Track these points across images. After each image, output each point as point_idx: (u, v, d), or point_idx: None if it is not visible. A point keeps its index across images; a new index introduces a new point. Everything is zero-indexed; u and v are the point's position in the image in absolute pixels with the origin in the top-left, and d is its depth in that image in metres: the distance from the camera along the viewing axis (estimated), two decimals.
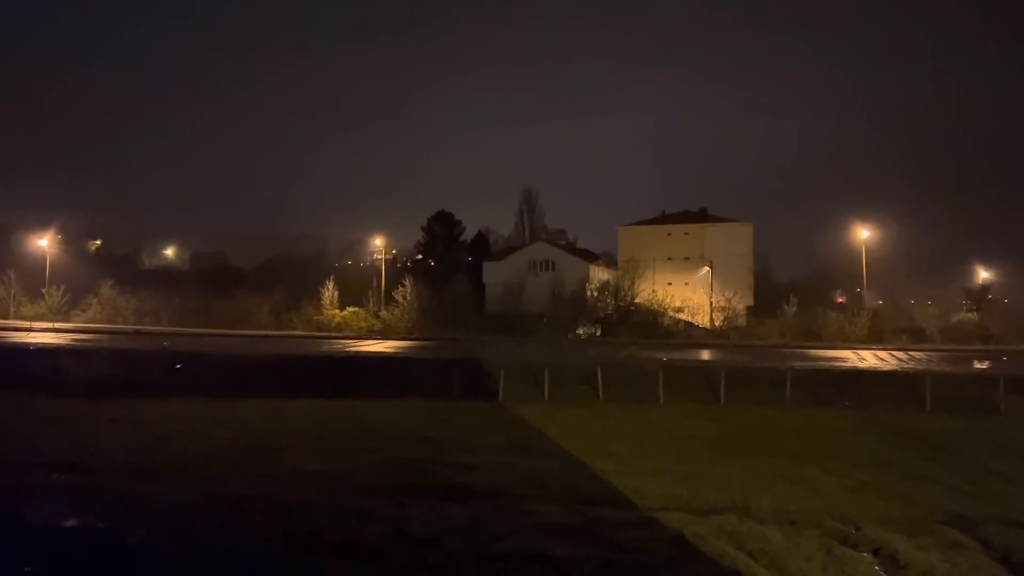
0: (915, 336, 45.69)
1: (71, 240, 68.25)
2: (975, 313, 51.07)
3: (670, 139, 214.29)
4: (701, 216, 64.60)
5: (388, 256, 63.85)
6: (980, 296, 55.50)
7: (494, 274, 57.74)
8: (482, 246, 67.91)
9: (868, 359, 31.83)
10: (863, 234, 50.30)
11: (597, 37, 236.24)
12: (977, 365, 29.33)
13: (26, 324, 45.71)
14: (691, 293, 56.33)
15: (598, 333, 48.62)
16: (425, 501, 11.05)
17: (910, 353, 35.30)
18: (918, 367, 27.41)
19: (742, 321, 52.30)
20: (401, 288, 51.30)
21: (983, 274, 59.46)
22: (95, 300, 51.30)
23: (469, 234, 67.44)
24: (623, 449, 15.40)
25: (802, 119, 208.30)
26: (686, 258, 60.68)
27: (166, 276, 68.44)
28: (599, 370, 24.37)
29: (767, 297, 56.20)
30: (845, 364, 29.45)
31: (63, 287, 51.18)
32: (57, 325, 46.31)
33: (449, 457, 14.57)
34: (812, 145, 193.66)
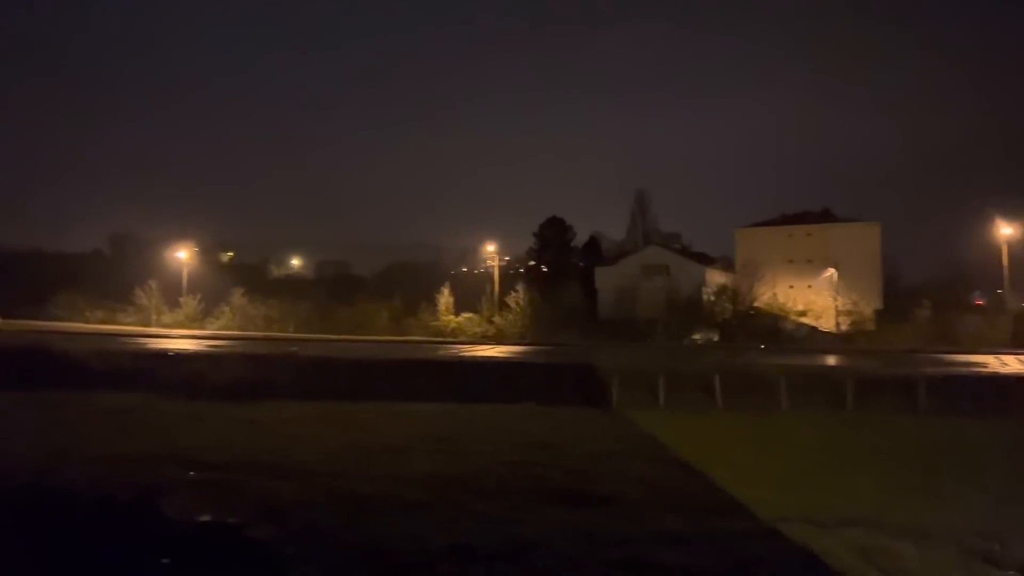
0: None
1: (205, 252, 72.48)
2: None
3: (787, 138, 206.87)
4: (824, 216, 62.06)
5: (501, 263, 64.54)
6: None
7: (606, 279, 57.40)
8: (594, 251, 67.69)
9: (1012, 364, 29.67)
10: (1003, 231, 46.94)
11: (710, 35, 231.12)
12: None
13: (165, 331, 48.87)
14: (814, 296, 54.18)
15: (716, 339, 47.49)
16: (540, 506, 11.09)
17: None
18: None
19: (870, 325, 49.93)
20: (514, 294, 51.74)
21: None
22: (227, 308, 54.25)
23: (581, 239, 67.38)
24: (743, 458, 14.96)
25: (931, 115, 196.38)
26: (808, 260, 58.35)
27: (292, 284, 71.68)
28: (717, 376, 23.75)
29: (897, 300, 53.30)
30: (984, 370, 27.55)
31: (199, 296, 54.39)
32: (194, 332, 49.30)
33: (564, 463, 14.57)
34: (942, 142, 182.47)
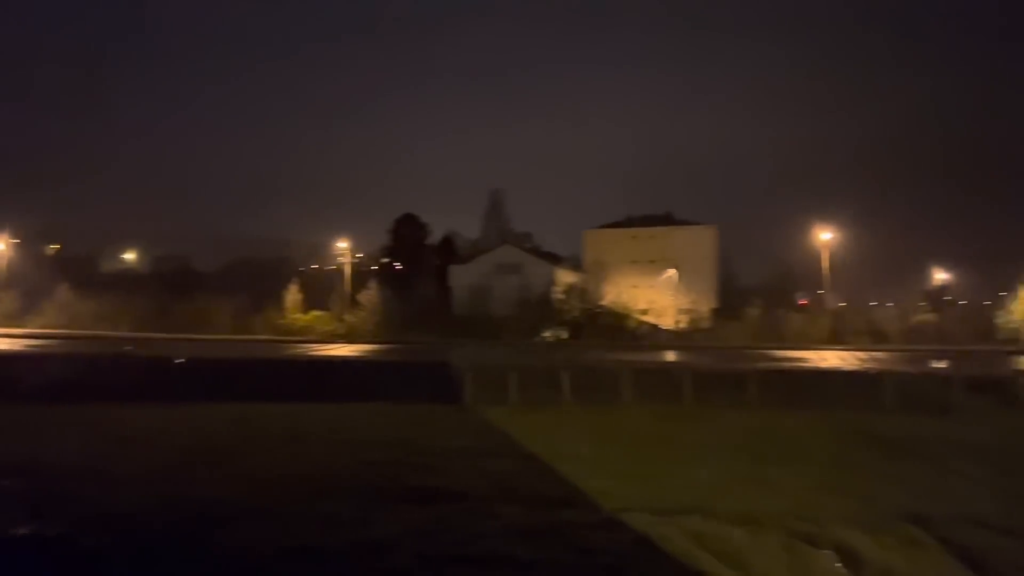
0: (875, 337, 46.40)
1: (27, 242, 66.62)
2: (933, 314, 52.14)
3: (635, 143, 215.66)
4: (666, 219, 65.10)
5: (354, 260, 63.33)
6: (937, 297, 56.77)
7: (460, 277, 57.65)
8: (449, 249, 67.75)
9: (829, 359, 32.27)
10: (824, 236, 51.08)
11: (564, 41, 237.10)
12: (935, 365, 29.86)
13: None
14: (656, 296, 56.64)
15: (565, 336, 48.72)
16: (391, 504, 10.95)
17: (871, 353, 35.85)
18: (878, 367, 27.81)
19: (707, 323, 52.76)
20: (366, 292, 50.94)
21: (940, 276, 60.80)
22: (51, 304, 50.13)
23: (436, 237, 67.26)
24: (589, 451, 15.40)
25: (767, 123, 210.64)
26: (651, 261, 61.01)
27: (126, 280, 67.09)
28: (565, 372, 24.37)
29: (731, 299, 56.74)
30: (807, 365, 29.82)
31: (17, 291, 49.94)
32: (11, 331, 45.18)
33: (416, 460, 14.47)
34: (777, 149, 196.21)
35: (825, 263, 51.24)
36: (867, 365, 28.96)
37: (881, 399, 22.49)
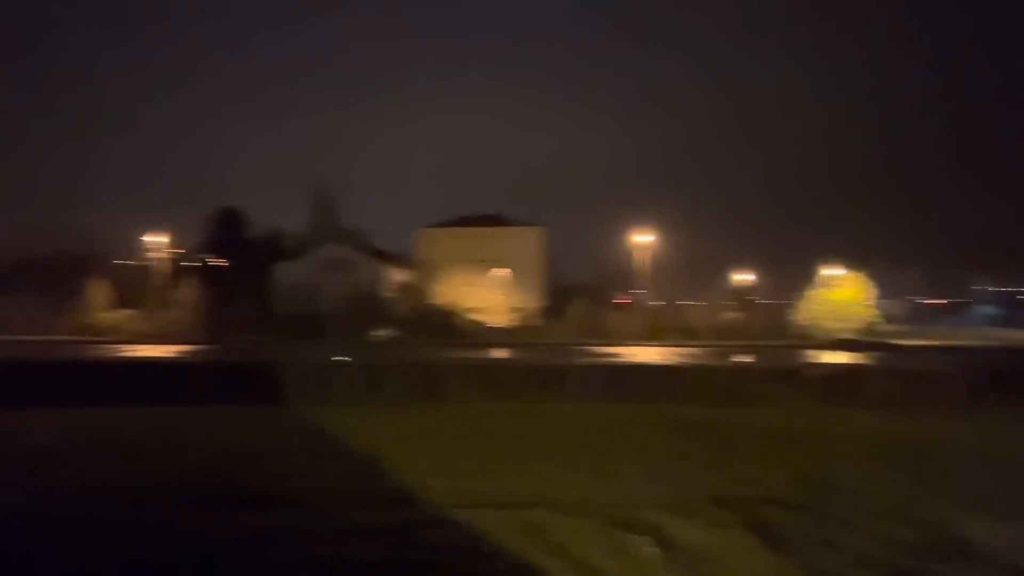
0: (687, 333, 49.67)
1: None
2: (737, 312, 56.50)
3: (470, 143, 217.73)
4: (496, 220, 66.34)
5: (171, 255, 59.64)
6: (740, 296, 61.59)
7: (287, 274, 55.91)
8: (275, 245, 65.46)
9: (645, 355, 34.18)
10: (642, 239, 54.01)
11: (405, 38, 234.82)
12: (739, 358, 32.41)
13: None
14: (487, 294, 57.61)
15: (396, 335, 48.46)
16: (221, 511, 10.48)
17: (683, 348, 38.34)
18: (689, 362, 29.75)
19: (535, 321, 54.31)
20: (183, 288, 48.23)
21: (745, 277, 66.00)
22: None
23: (260, 232, 64.74)
24: (424, 449, 15.43)
25: (596, 127, 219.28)
26: (483, 260, 61.99)
27: None
28: (396, 371, 24.27)
29: (558, 298, 58.74)
30: (625, 360, 31.44)
31: None
32: None
33: (245, 465, 13.89)
34: (607, 151, 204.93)
35: (643, 264, 54.21)
36: (678, 359, 30.89)
37: (692, 390, 24.11)
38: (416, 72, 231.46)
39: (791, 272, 60.65)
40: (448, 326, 50.01)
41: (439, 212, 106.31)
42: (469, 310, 54.58)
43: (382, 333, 48.02)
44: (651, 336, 47.50)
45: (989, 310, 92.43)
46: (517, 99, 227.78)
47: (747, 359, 32.04)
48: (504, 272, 59.68)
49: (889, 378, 25.07)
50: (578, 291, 58.10)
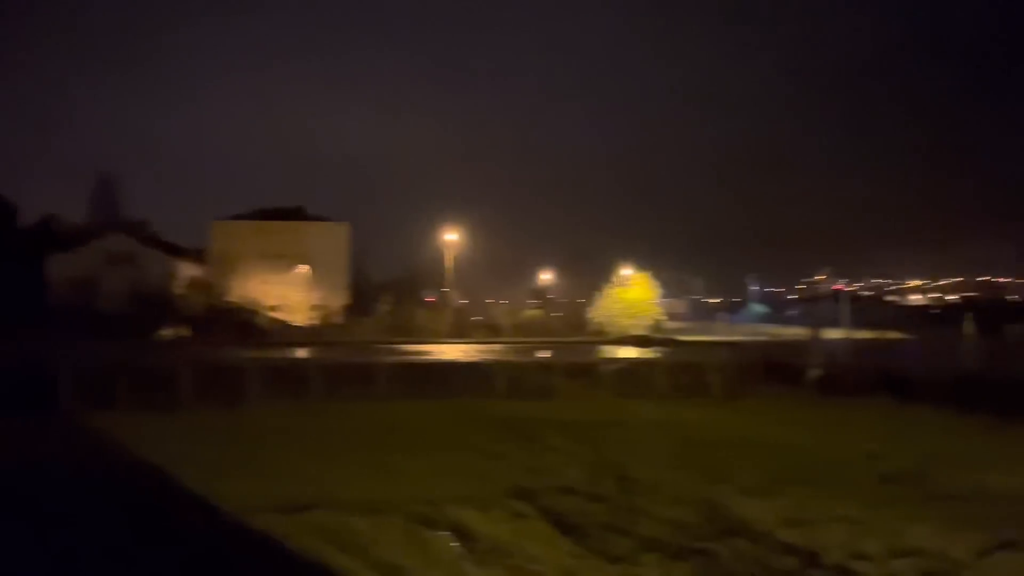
0: (491, 331, 50.65)
1: None
2: (539, 310, 58.40)
3: (271, 135, 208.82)
4: (298, 214, 64.05)
5: None
6: (542, 295, 63.80)
7: (62, 267, 50.81)
8: (47, 234, 59.29)
9: (451, 352, 34.44)
10: (449, 237, 54.42)
11: (199, 21, 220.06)
12: (540, 354, 33.44)
13: None
14: (288, 292, 55.59)
15: (187, 334, 45.47)
16: None
17: (487, 345, 39.01)
18: (492, 358, 30.26)
19: (339, 319, 53.12)
20: None
21: (544, 276, 68.44)
22: None
23: (30, 220, 58.43)
24: (214, 453, 14.52)
25: (409, 124, 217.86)
26: (283, 256, 59.56)
27: None
28: (185, 372, 22.72)
29: (364, 296, 57.83)
30: (431, 357, 31.50)
31: None
32: None
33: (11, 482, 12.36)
34: (411, 147, 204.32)
35: (450, 262, 54.62)
36: (483, 356, 31.36)
37: (494, 386, 24.55)
38: (210, 59, 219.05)
39: (590, 271, 63.51)
40: (245, 325, 47.63)
41: (237, 205, 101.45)
42: (268, 308, 52.44)
43: (171, 332, 44.90)
44: (457, 334, 47.93)
45: (760, 308, 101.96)
46: (320, 92, 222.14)
47: (547, 355, 33.13)
48: (306, 269, 57.81)
49: (674, 371, 26.89)
50: (385, 289, 57.59)
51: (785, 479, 12.58)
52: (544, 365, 29.73)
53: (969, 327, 58.39)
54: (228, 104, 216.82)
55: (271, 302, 53.20)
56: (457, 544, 9.04)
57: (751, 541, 9.14)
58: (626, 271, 57.52)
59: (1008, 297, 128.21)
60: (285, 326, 50.90)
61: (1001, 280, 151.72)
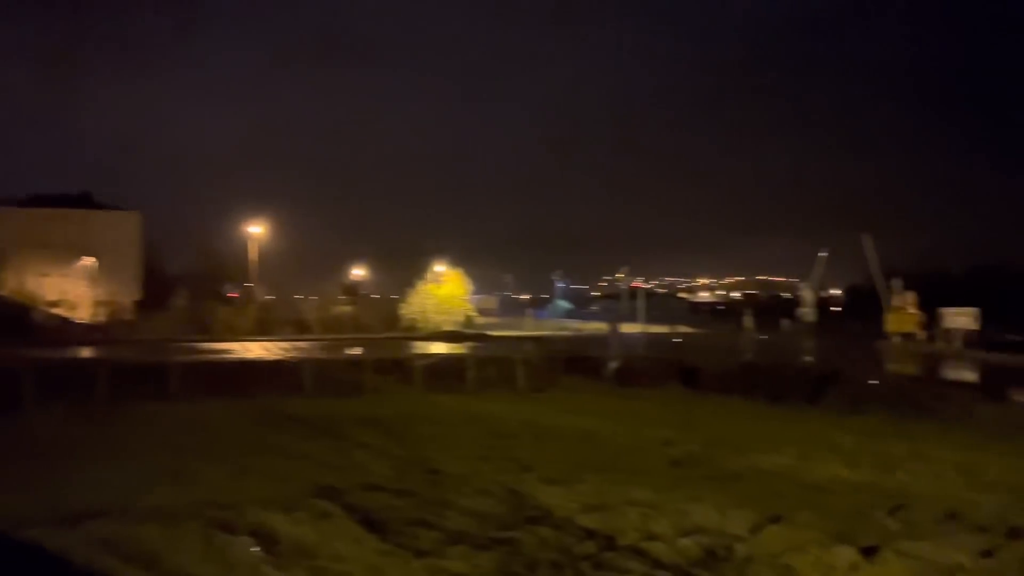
0: (299, 327, 49.07)
1: None
2: (350, 306, 57.38)
3: (52, 116, 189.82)
4: (84, 201, 58.59)
5: None
6: (353, 291, 62.77)
7: None
8: None
9: (255, 350, 33.04)
10: (253, 229, 52.15)
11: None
12: (350, 351, 32.87)
13: None
14: (70, 286, 50.85)
15: None
16: None
17: (294, 343, 37.78)
18: (300, 355, 29.40)
19: (129, 315, 49.39)
20: None
21: (356, 271, 67.35)
22: None
23: None
24: None
25: (211, 110, 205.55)
26: (65, 247, 54.22)
27: None
28: None
29: (159, 290, 53.97)
30: (233, 356, 30.03)
31: None
32: None
33: None
34: (216, 136, 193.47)
35: (254, 255, 52.34)
36: (290, 354, 30.38)
37: (300, 384, 23.83)
38: None
39: (403, 267, 63.21)
40: (19, 322, 43.02)
41: (5, 189, 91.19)
42: (48, 303, 47.74)
43: None
44: (262, 331, 45.98)
45: (565, 304, 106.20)
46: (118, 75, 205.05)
47: (357, 351, 32.62)
48: (92, 261, 53.04)
49: (483, 365, 27.39)
50: (182, 283, 54.15)
51: (585, 466, 13.17)
52: (353, 362, 29.24)
53: (749, 321, 64.13)
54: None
55: (51, 297, 48.49)
56: (258, 549, 8.67)
57: (553, 528, 9.48)
58: (439, 267, 57.83)
59: (783, 294, 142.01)
60: (66, 323, 46.55)
61: (777, 279, 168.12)
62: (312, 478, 12.17)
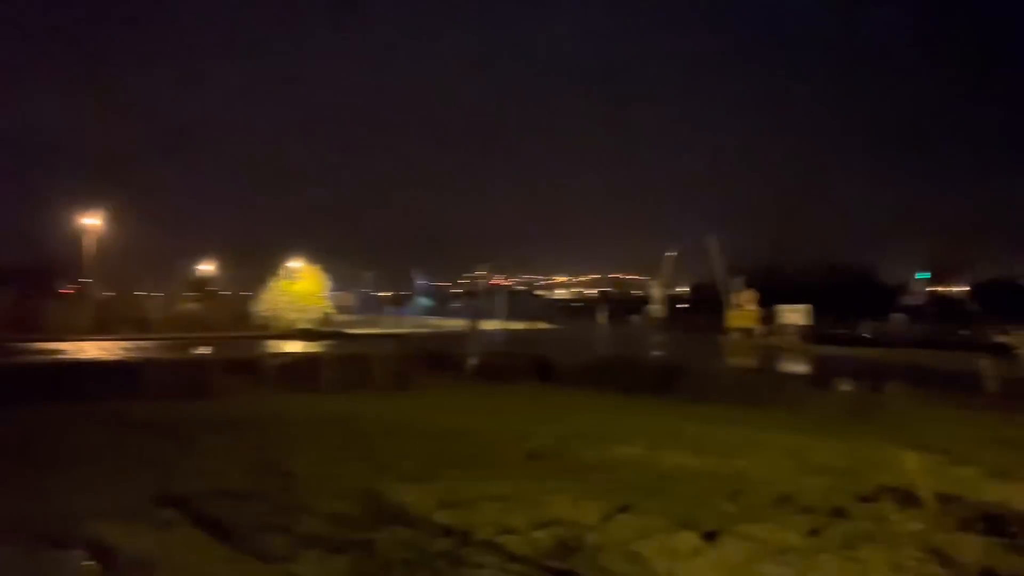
0: (141, 326, 46.38)
1: None
2: (197, 303, 54.77)
3: None
4: None
5: None
6: (201, 287, 59.93)
7: None
8: None
9: (90, 350, 30.94)
10: (88, 222, 48.83)
11: None
12: (197, 351, 31.36)
13: None
14: None
15: None
16: None
17: (136, 342, 35.66)
18: (141, 355, 27.82)
19: None
20: None
21: (205, 267, 64.31)
22: None
23: None
24: None
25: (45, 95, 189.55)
26: None
27: None
28: None
29: None
30: (65, 356, 27.99)
31: None
32: None
33: None
34: (52, 123, 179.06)
35: (90, 249, 48.94)
36: (131, 354, 28.68)
37: (142, 386, 22.50)
38: None
39: (256, 263, 61.08)
40: None
41: None
42: None
43: None
44: (100, 329, 43.10)
45: (426, 302, 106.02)
46: None
47: (205, 351, 31.19)
48: None
49: (341, 364, 26.85)
50: (9, 278, 49.89)
51: (444, 464, 13.20)
52: (200, 362, 27.91)
53: (603, 318, 66.37)
54: None
55: None
56: (93, 563, 8.13)
57: (408, 527, 9.43)
58: (294, 263, 56.27)
59: (634, 291, 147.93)
60: None
61: (628, 277, 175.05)
62: (156, 486, 11.52)
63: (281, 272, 55.07)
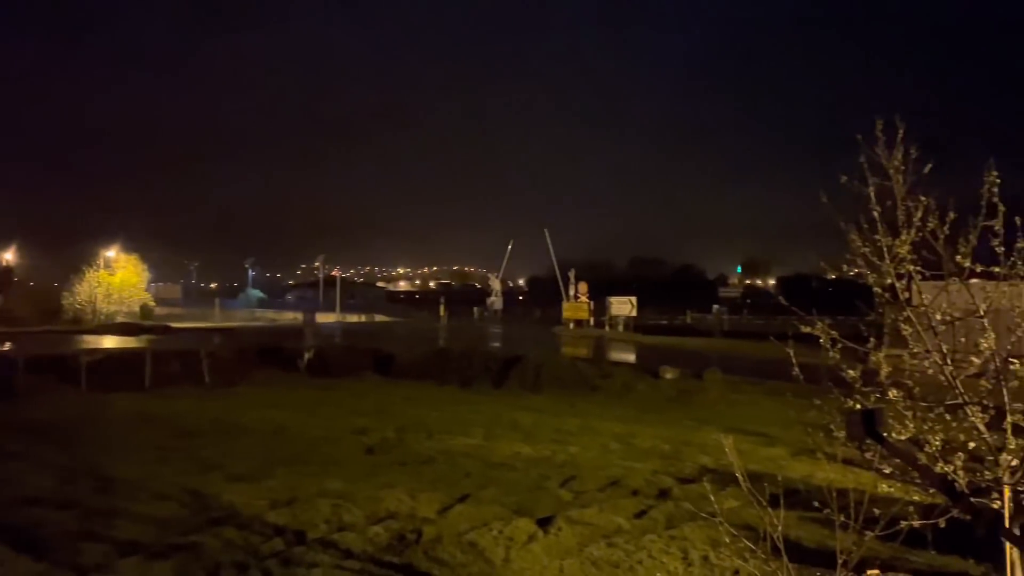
0: None
1: None
2: None
3: None
4: None
5: None
6: (4, 279, 54.60)
7: None
8: None
9: None
10: None
11: None
12: None
13: None
14: None
15: None
16: None
17: None
18: None
19: None
20: None
21: (7, 256, 58.64)
22: None
23: None
24: None
25: None
26: None
27: None
28: None
29: None
30: None
31: None
32: None
33: None
34: None
35: None
36: None
37: None
38: None
39: (66, 253, 56.42)
40: None
41: None
42: None
43: None
44: None
45: (258, 294, 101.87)
46: None
47: (7, 347, 28.47)
48: None
49: (164, 359, 25.28)
50: None
51: (276, 461, 12.78)
52: (1, 359, 25.42)
53: (443, 310, 66.47)
54: None
55: None
56: None
57: (239, 528, 9.06)
58: (111, 253, 52.46)
59: (475, 284, 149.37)
60: None
61: (470, 269, 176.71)
62: None
63: (97, 262, 51.12)
